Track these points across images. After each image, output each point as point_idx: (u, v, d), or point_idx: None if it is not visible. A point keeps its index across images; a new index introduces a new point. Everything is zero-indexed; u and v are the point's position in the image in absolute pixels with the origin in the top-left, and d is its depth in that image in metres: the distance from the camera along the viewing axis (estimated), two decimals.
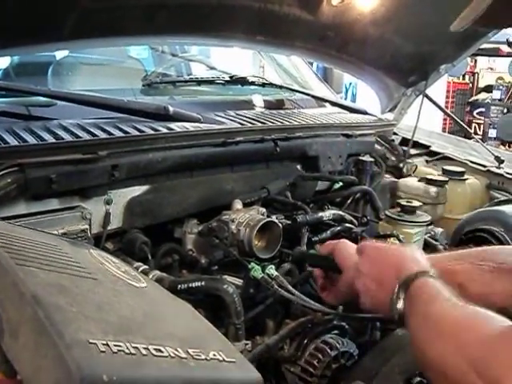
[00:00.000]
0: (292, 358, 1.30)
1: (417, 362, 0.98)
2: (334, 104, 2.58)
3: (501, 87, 9.33)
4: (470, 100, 9.85)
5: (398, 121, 2.56)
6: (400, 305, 1.00)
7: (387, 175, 2.31)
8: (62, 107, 1.68)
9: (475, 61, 9.68)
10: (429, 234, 1.99)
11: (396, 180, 2.28)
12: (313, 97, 2.56)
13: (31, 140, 1.40)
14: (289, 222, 1.70)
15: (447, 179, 2.19)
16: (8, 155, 1.31)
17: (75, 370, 0.58)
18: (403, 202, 1.92)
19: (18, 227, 1.14)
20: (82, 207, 1.43)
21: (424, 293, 0.98)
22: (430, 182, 2.16)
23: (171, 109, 1.72)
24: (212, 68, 2.59)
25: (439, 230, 2.05)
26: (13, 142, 1.38)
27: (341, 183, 2.09)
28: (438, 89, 7.40)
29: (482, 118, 9.58)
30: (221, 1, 1.61)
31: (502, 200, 2.22)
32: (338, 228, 1.79)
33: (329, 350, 1.29)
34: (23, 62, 2.18)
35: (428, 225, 1.93)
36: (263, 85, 2.34)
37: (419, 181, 2.20)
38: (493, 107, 9.45)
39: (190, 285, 1.33)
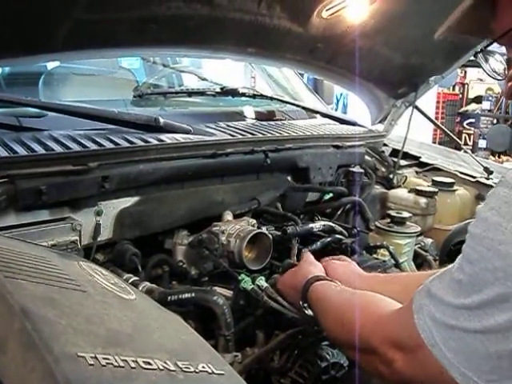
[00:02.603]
0: (282, 370, 1.31)
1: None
2: (324, 115, 2.59)
3: (490, 98, 9.42)
4: (460, 111, 9.93)
5: (388, 132, 2.58)
6: (308, 311, 1.26)
7: (377, 186, 2.32)
8: (53, 118, 1.68)
9: (465, 72, 9.78)
10: (419, 245, 2.01)
11: (386, 191, 2.30)
12: (303, 108, 2.57)
13: (21, 151, 1.40)
14: (279, 233, 1.71)
15: (437, 190, 2.21)
16: None
17: None
18: (393, 213, 1.93)
19: (6, 238, 1.14)
20: (72, 218, 1.42)
21: (317, 293, 1.24)
22: (419, 192, 2.17)
23: (162, 120, 1.72)
24: (203, 79, 2.59)
25: (429, 240, 2.07)
26: (3, 153, 1.38)
27: (331, 194, 2.10)
28: (428, 99, 7.45)
29: (472, 128, 9.66)
30: (212, 13, 1.62)
31: None
32: (328, 239, 1.79)
33: (319, 362, 1.29)
34: (14, 72, 2.18)
35: (418, 235, 1.95)
36: (254, 96, 2.35)
37: (409, 192, 2.22)
38: (482, 118, 9.54)
39: (180, 296, 1.33)
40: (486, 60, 1.06)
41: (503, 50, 1.02)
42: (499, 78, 1.03)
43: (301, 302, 1.28)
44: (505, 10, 0.94)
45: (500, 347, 0.80)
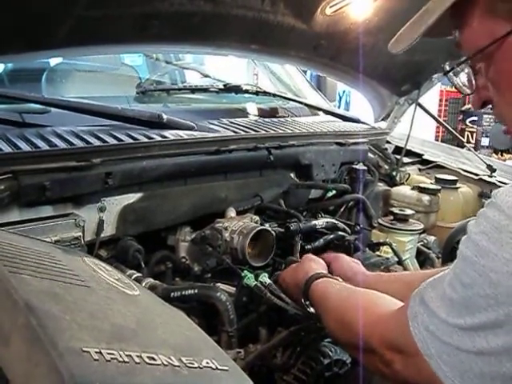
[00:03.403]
0: (285, 366, 1.31)
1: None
2: (327, 112, 2.59)
3: None
4: (463, 108, 9.89)
5: (390, 129, 2.58)
6: (311, 309, 1.27)
7: (380, 183, 2.32)
8: (56, 114, 1.68)
9: None
10: (421, 242, 2.00)
11: (389, 188, 2.29)
12: (306, 105, 2.57)
13: (25, 147, 1.40)
14: (282, 230, 1.70)
15: (440, 188, 2.20)
16: (1, 162, 1.31)
17: (68, 379, 0.58)
18: (396, 211, 1.93)
19: (10, 234, 1.14)
20: (75, 214, 1.42)
21: (318, 291, 1.24)
22: (422, 190, 2.17)
23: (165, 116, 1.72)
24: (206, 76, 2.59)
25: (432, 238, 2.06)
26: (6, 149, 1.38)
27: (334, 191, 2.10)
28: (431, 97, 7.44)
29: (475, 126, 9.62)
30: (215, 10, 1.61)
31: None
32: (331, 236, 1.79)
33: (322, 358, 1.29)
34: (17, 68, 2.18)
35: (421, 233, 1.95)
36: (257, 93, 2.35)
37: (412, 189, 2.21)
38: (485, 116, 9.50)
39: (183, 292, 1.33)
40: (456, 75, 1.04)
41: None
42: (468, 91, 1.02)
43: (302, 300, 1.28)
44: (473, 23, 0.91)
45: (493, 369, 0.81)
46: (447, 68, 1.02)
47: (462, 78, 1.02)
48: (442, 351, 0.85)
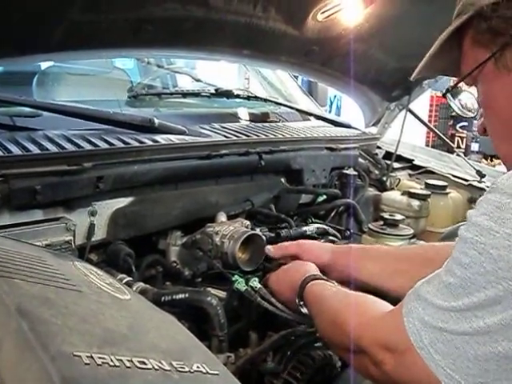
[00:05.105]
0: (275, 371, 1.31)
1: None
2: (318, 117, 2.60)
3: None
4: (453, 114, 9.93)
5: (381, 135, 2.59)
6: (304, 309, 1.28)
7: (370, 188, 2.33)
8: (48, 118, 1.67)
9: None
10: None
11: (379, 193, 2.30)
12: (297, 110, 2.58)
13: (16, 151, 1.40)
14: (273, 234, 1.71)
15: (430, 193, 2.21)
16: None
17: (59, 383, 0.58)
18: (386, 216, 1.94)
19: (1, 238, 1.14)
20: (66, 218, 1.42)
21: (313, 292, 1.26)
22: (412, 195, 2.18)
23: (157, 121, 1.72)
24: (198, 80, 2.59)
25: (422, 242, 2.07)
26: None
27: (324, 196, 2.11)
28: (422, 103, 7.48)
29: (465, 131, 9.67)
30: (208, 15, 1.62)
31: None
32: (322, 241, 1.80)
33: (312, 363, 1.30)
34: (7, 71, 2.17)
35: (410, 238, 1.95)
36: (248, 98, 2.35)
37: (402, 194, 2.22)
38: (475, 121, 9.54)
39: (174, 297, 1.33)
40: (454, 97, 1.13)
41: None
42: (470, 114, 1.10)
43: (297, 300, 1.29)
44: (467, 52, 1.02)
45: (488, 350, 0.82)
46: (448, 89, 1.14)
47: (464, 100, 1.11)
48: (436, 339, 0.86)
